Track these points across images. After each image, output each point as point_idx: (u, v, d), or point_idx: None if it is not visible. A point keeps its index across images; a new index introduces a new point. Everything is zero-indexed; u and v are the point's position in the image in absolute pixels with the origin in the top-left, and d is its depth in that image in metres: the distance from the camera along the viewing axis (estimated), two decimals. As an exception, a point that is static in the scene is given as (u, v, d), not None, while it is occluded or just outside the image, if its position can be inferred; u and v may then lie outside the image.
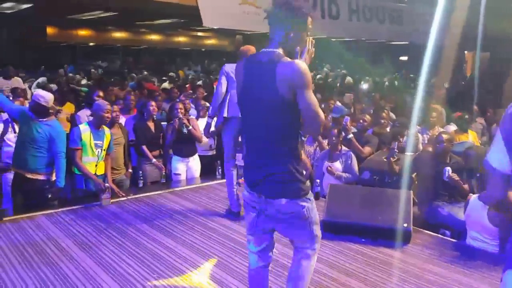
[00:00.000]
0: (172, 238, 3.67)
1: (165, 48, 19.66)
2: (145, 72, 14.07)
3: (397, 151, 4.52)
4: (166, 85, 10.83)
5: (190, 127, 5.02)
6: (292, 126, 2.10)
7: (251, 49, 3.92)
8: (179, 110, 5.05)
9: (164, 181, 5.21)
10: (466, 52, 15.23)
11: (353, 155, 4.94)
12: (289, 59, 2.06)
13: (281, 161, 2.10)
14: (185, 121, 5.02)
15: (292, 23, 2.09)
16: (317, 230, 2.29)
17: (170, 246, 3.51)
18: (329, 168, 4.86)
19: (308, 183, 2.24)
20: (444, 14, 6.82)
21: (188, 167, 5.28)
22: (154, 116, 5.27)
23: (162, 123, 5.50)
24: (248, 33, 10.57)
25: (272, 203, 2.13)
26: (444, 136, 4.27)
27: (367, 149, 5.16)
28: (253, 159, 2.20)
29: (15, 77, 8.58)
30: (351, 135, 5.12)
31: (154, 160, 5.13)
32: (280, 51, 2.10)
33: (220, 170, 5.35)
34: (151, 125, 5.21)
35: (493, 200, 3.00)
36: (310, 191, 2.20)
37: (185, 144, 5.17)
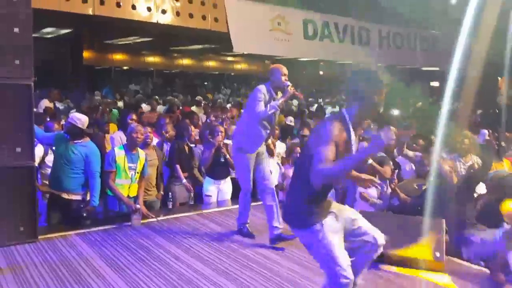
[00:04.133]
0: (200, 260, 3.69)
1: (196, 72, 20.12)
2: (176, 97, 14.37)
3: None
4: (194, 108, 11.03)
5: (228, 156, 5.11)
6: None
7: (282, 67, 4.01)
8: (219, 133, 5.15)
9: (193, 203, 5.27)
10: (499, 78, 14.91)
11: (388, 182, 4.83)
12: None
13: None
14: (224, 150, 5.12)
15: None
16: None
17: (197, 268, 3.53)
18: (363, 193, 4.79)
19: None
20: (470, 39, 6.74)
21: (219, 189, 5.33)
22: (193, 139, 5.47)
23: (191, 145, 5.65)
24: (277, 58, 10.72)
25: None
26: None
27: (386, 168, 5.02)
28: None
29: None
30: (370, 161, 4.92)
31: (184, 180, 5.22)
32: None
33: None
34: (186, 148, 5.40)
35: None
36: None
37: (219, 167, 5.23)
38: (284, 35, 9.54)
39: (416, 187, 4.55)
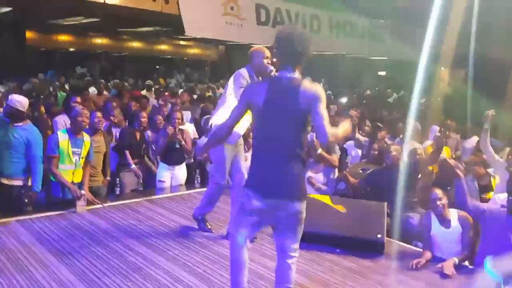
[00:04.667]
0: (148, 246, 3.65)
1: (147, 56, 19.59)
2: (126, 81, 13.97)
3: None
4: (144, 93, 10.80)
5: (183, 142, 5.05)
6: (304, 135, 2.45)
7: (264, 49, 3.63)
8: (176, 120, 5.08)
9: (142, 189, 5.19)
10: (442, 68, 15.61)
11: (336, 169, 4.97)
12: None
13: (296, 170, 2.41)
14: (179, 136, 5.05)
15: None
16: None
17: (143, 253, 3.50)
18: (310, 179, 4.90)
19: None
20: (422, 31, 7.01)
21: (173, 175, 5.27)
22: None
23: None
24: (230, 43, 10.66)
25: (287, 204, 2.38)
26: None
27: (334, 156, 5.16)
28: (271, 167, 2.39)
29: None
30: (319, 150, 4.96)
31: (133, 166, 5.12)
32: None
33: (199, 179, 5.37)
34: (137, 133, 5.30)
35: None
36: None
37: (174, 152, 5.17)
38: (237, 19, 9.48)
39: (361, 172, 4.72)
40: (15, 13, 11.22)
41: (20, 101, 4.16)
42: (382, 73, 19.21)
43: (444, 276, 3.31)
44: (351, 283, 3.19)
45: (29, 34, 15.10)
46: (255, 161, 2.49)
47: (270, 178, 2.39)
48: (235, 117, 2.56)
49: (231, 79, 3.61)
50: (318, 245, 3.72)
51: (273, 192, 2.38)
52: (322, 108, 2.34)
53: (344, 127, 2.49)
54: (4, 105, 4.59)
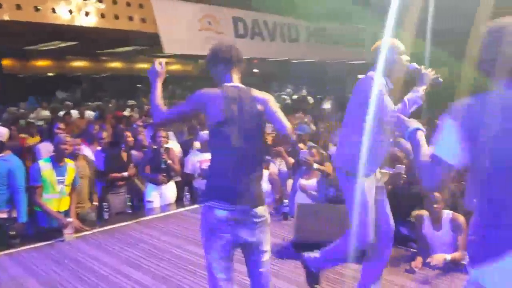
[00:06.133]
0: (140, 270, 3.59)
1: (128, 75, 19.50)
2: (108, 102, 13.86)
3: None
4: (126, 113, 10.73)
5: (169, 162, 5.02)
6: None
7: (397, 43, 2.73)
8: (161, 139, 5.04)
9: (131, 211, 5.11)
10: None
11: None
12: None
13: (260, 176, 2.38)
14: (165, 156, 5.01)
15: None
16: None
17: (137, 278, 3.43)
18: (303, 185, 4.84)
19: None
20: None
21: (161, 194, 5.22)
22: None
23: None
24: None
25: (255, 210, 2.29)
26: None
27: (327, 165, 5.15)
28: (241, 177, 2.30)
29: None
30: (316, 166, 4.70)
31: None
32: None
33: (188, 196, 5.32)
34: (124, 154, 5.27)
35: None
36: None
37: (161, 172, 5.12)
38: (214, 34, 9.48)
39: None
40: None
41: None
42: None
43: (438, 277, 3.31)
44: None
45: (5, 62, 14.96)
46: (222, 171, 2.33)
47: (241, 187, 2.30)
48: (180, 114, 2.42)
49: (359, 89, 2.68)
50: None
51: (243, 199, 2.28)
52: (274, 106, 2.37)
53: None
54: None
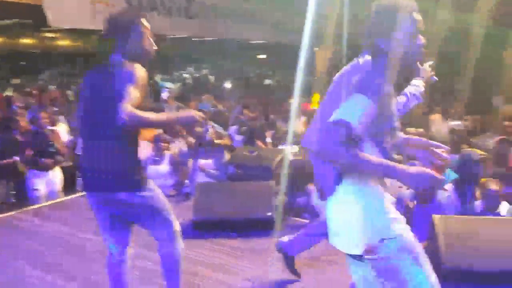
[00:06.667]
0: (29, 260, 3.30)
1: (10, 52, 17.65)
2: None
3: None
4: (9, 93, 9.77)
5: (56, 145, 4.64)
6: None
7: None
8: (43, 121, 4.61)
9: (14, 200, 4.68)
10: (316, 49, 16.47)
11: (226, 152, 4.99)
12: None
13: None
14: (50, 137, 4.61)
15: None
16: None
17: (26, 269, 3.16)
18: (201, 166, 4.84)
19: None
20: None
21: (47, 181, 4.82)
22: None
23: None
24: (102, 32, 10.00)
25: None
26: None
27: (225, 139, 5.19)
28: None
29: None
30: (218, 141, 4.92)
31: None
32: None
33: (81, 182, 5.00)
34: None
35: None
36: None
37: (44, 156, 4.70)
38: (107, 7, 8.91)
39: (248, 154, 4.80)
40: None
41: None
42: (263, 56, 19.77)
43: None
44: (248, 265, 3.23)
45: None
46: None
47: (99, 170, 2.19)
48: None
49: None
50: (215, 231, 3.70)
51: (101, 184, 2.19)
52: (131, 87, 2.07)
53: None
54: None
